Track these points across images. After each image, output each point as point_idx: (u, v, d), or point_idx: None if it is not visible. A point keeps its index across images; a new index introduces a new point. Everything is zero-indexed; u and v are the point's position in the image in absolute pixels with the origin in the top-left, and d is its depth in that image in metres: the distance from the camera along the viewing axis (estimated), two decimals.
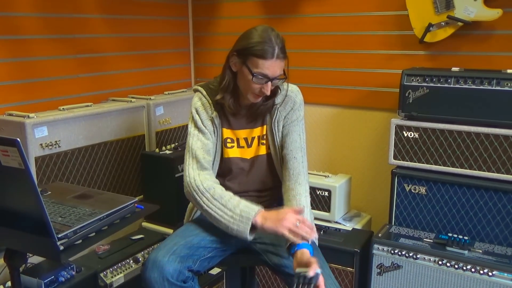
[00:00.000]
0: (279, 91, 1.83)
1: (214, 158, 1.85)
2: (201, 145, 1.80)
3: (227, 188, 1.84)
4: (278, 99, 1.85)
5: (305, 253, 1.53)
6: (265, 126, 1.87)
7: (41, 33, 2.39)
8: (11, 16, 2.26)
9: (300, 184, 1.79)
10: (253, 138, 1.88)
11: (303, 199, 1.75)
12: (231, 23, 3.15)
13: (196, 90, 1.89)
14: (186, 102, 2.90)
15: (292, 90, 1.87)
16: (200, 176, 1.74)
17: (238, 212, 1.64)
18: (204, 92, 1.85)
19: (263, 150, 1.89)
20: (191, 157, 1.79)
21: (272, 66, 1.66)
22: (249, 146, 1.88)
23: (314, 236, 1.60)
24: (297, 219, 1.59)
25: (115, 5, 2.76)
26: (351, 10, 2.72)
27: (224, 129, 1.86)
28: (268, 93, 1.70)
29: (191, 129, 1.84)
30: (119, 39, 2.81)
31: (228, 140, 1.87)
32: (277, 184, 1.91)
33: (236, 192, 1.81)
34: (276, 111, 1.84)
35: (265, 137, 1.88)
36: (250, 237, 1.63)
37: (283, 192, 1.84)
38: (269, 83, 1.69)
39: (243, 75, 1.71)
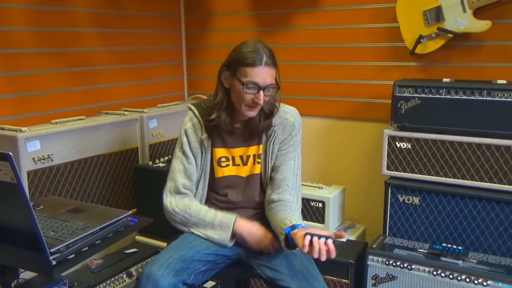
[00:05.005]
0: (276, 109, 1.80)
1: (199, 179, 1.86)
2: (183, 169, 1.83)
3: (222, 203, 1.85)
4: (276, 121, 1.83)
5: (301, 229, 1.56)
6: (261, 146, 1.86)
7: (34, 46, 2.39)
8: (3, 30, 2.26)
9: (290, 210, 1.76)
10: (248, 156, 1.87)
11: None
12: (223, 36, 3.17)
13: (189, 108, 1.88)
14: (180, 115, 2.89)
15: (292, 114, 1.85)
16: (175, 199, 1.82)
17: (218, 223, 1.73)
18: (196, 112, 1.84)
19: (258, 169, 1.87)
20: (170, 179, 1.85)
21: (261, 73, 1.66)
22: (244, 164, 1.87)
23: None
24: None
25: (108, 18, 2.77)
26: (343, 22, 2.75)
27: (217, 149, 1.85)
28: (261, 102, 1.69)
29: (177, 150, 1.86)
30: (112, 52, 2.82)
31: (223, 159, 1.86)
32: None
33: (231, 207, 1.83)
34: (273, 133, 1.83)
35: (261, 156, 1.86)
36: (230, 243, 1.74)
37: (272, 213, 1.78)
38: (261, 92, 1.67)
39: (235, 88, 1.72)
